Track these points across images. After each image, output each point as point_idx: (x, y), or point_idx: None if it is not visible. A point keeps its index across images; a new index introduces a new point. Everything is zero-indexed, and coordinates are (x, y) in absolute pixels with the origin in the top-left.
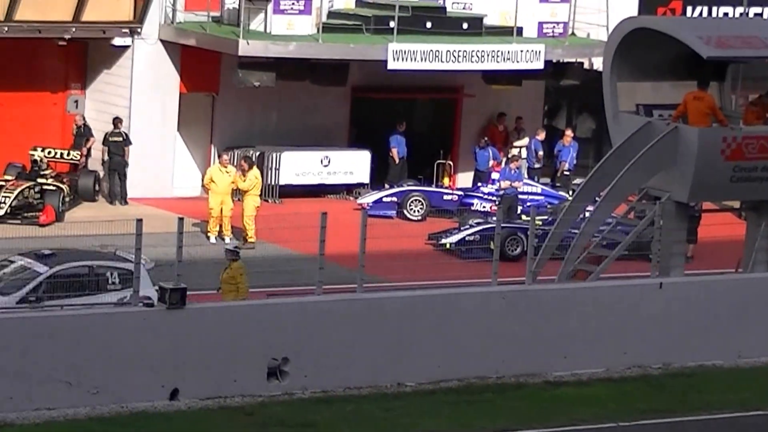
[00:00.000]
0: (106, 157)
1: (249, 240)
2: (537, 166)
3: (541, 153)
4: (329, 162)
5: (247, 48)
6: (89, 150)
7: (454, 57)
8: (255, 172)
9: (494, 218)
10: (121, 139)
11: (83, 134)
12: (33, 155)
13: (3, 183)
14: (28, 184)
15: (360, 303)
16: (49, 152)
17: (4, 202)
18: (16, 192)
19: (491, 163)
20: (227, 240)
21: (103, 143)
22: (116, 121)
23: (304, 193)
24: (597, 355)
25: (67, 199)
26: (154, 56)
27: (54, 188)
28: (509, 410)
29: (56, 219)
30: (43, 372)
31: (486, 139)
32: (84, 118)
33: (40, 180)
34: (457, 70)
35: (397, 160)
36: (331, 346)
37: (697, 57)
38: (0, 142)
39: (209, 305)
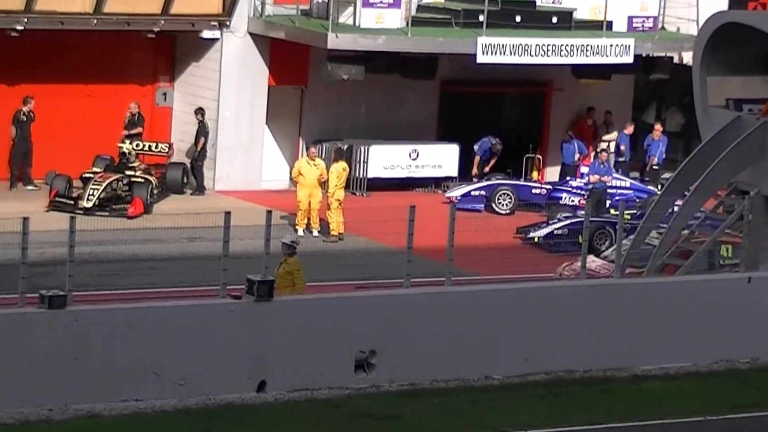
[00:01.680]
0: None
1: (333, 233)
2: (620, 160)
3: (623, 147)
4: (417, 155)
5: (336, 41)
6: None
7: (544, 51)
8: (338, 164)
9: (582, 212)
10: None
11: (136, 123)
12: (121, 148)
13: (91, 175)
14: (116, 177)
15: (448, 296)
16: (138, 144)
17: (93, 195)
18: (104, 184)
19: (577, 156)
20: (315, 233)
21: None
22: (198, 111)
23: (392, 186)
24: (685, 350)
25: (155, 191)
26: (243, 49)
27: (142, 180)
28: (596, 404)
29: (144, 211)
30: (131, 363)
31: (570, 132)
32: (138, 107)
33: (128, 172)
34: (546, 64)
35: (475, 170)
36: (418, 339)
37: None
38: (89, 135)
39: (296, 297)
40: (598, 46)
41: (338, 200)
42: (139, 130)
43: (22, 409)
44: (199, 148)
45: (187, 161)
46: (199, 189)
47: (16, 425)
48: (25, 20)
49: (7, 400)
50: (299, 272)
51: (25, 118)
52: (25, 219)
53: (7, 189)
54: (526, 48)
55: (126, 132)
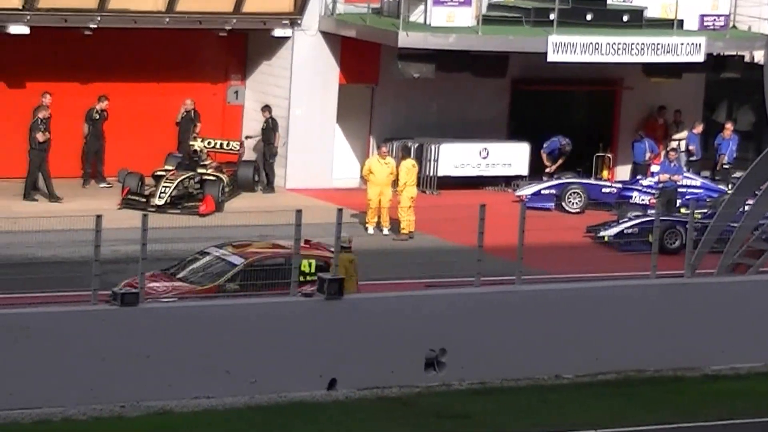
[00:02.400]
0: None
1: (403, 231)
2: (691, 159)
3: (692, 147)
4: (488, 154)
5: (406, 39)
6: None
7: (614, 49)
8: (407, 162)
9: (653, 211)
10: (269, 126)
11: (193, 119)
12: (193, 145)
13: (163, 173)
14: (188, 175)
15: (518, 295)
16: (209, 143)
17: (165, 192)
18: (176, 182)
19: (647, 155)
20: (385, 231)
21: (262, 130)
22: (264, 109)
23: (462, 184)
24: (756, 349)
25: (226, 189)
26: (314, 47)
27: (214, 178)
28: (666, 403)
29: (216, 209)
30: (203, 361)
31: (640, 131)
32: (193, 103)
33: (200, 170)
34: (617, 62)
35: (546, 163)
36: (488, 338)
37: None
38: (161, 133)
39: (367, 296)
40: (668, 45)
41: (410, 198)
42: (278, 136)
43: (95, 405)
44: (276, 144)
45: (258, 158)
46: (270, 186)
47: (89, 422)
48: (98, 19)
49: (81, 397)
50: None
51: (97, 116)
52: (98, 216)
53: (80, 186)
54: (597, 46)
55: (179, 129)
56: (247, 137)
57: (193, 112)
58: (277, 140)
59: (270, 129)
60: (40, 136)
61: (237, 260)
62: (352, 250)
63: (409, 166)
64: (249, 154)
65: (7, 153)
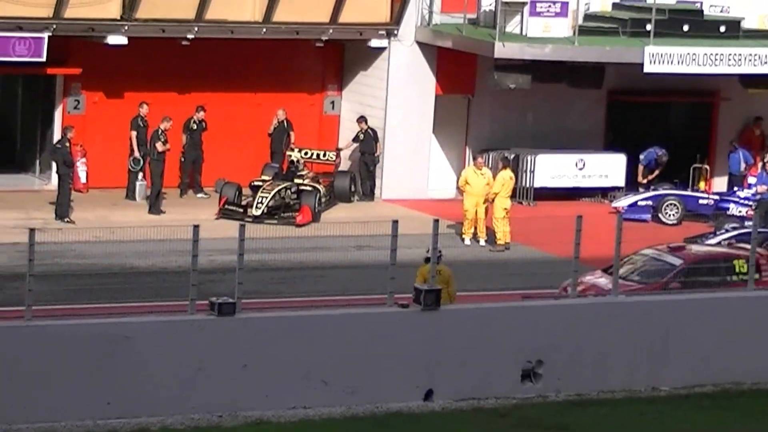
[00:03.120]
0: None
1: (499, 242)
2: None
3: None
4: (584, 165)
5: (503, 50)
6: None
7: (711, 60)
8: (505, 173)
9: (750, 223)
10: (370, 137)
11: (286, 129)
12: (290, 156)
13: (261, 183)
14: (285, 185)
15: (615, 306)
16: (306, 153)
17: (262, 203)
18: (273, 192)
19: (742, 166)
20: (481, 242)
21: (354, 140)
22: (360, 120)
23: (558, 195)
24: None
25: (323, 199)
26: (410, 58)
27: (310, 189)
28: (764, 416)
29: (312, 219)
30: (300, 371)
31: (734, 142)
32: (285, 113)
33: (297, 180)
34: (713, 73)
35: (642, 175)
36: (585, 349)
37: None
38: (258, 143)
39: (463, 306)
40: (765, 56)
41: (505, 209)
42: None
43: (192, 415)
44: (377, 154)
45: (355, 169)
46: (370, 196)
47: (187, 431)
48: (196, 29)
49: (178, 406)
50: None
51: (195, 126)
52: (196, 227)
53: (178, 196)
54: (694, 57)
55: (271, 140)
56: (339, 149)
57: (286, 122)
58: (378, 150)
59: (371, 139)
60: (159, 146)
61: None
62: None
63: (506, 177)
64: (345, 165)
65: (105, 163)
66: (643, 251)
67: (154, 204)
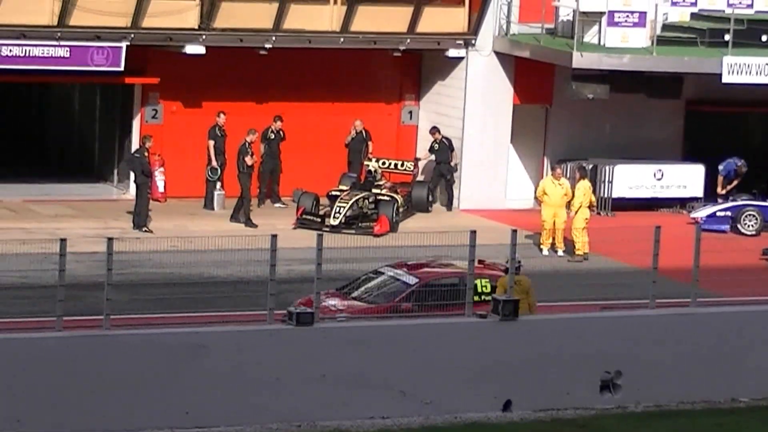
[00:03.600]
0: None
1: (577, 252)
2: None
3: None
4: (662, 175)
5: (580, 60)
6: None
7: None
8: (584, 183)
9: None
10: (445, 146)
11: (365, 140)
12: (368, 166)
13: (338, 193)
14: (362, 195)
15: (694, 317)
16: (384, 163)
17: (339, 212)
18: (350, 202)
19: None
20: (559, 252)
21: (429, 151)
22: (433, 131)
23: (636, 206)
24: None
25: (400, 209)
26: (488, 68)
27: (388, 199)
28: None
29: (390, 229)
30: (378, 381)
31: None
32: (362, 124)
33: (374, 190)
34: None
35: (721, 186)
36: (664, 360)
37: None
38: (336, 153)
39: (542, 317)
40: None
41: (585, 219)
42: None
43: (270, 425)
44: (454, 163)
45: (432, 179)
46: (448, 205)
47: None
48: (274, 38)
49: (257, 416)
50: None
51: (273, 136)
52: (274, 236)
53: (256, 206)
54: None
55: (349, 150)
56: (416, 159)
57: (363, 132)
58: (453, 159)
59: (446, 148)
60: (248, 160)
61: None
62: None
63: (587, 187)
64: (422, 175)
65: (183, 172)
66: (381, 269)
67: (236, 215)
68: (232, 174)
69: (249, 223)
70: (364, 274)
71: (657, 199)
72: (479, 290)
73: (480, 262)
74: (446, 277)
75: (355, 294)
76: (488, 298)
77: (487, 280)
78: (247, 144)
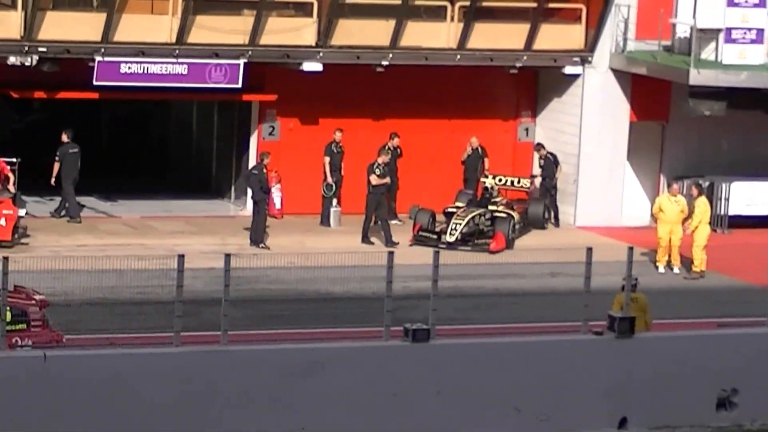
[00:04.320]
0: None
1: (695, 269)
2: None
3: None
4: None
5: (698, 77)
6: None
7: None
8: (702, 200)
9: None
10: (550, 162)
11: (481, 156)
12: (484, 182)
13: (454, 210)
14: (479, 211)
15: None
16: (500, 179)
17: (455, 229)
18: (467, 219)
19: None
20: (675, 270)
21: (540, 167)
22: (537, 147)
23: (753, 223)
24: None
25: (517, 226)
26: (605, 84)
27: (504, 215)
28: None
29: (506, 246)
30: (493, 398)
31: None
32: (478, 141)
33: (491, 207)
34: None
35: None
36: None
37: None
38: (452, 170)
39: (657, 335)
40: None
41: (706, 236)
42: (559, 169)
43: None
44: (557, 177)
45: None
46: (555, 222)
47: None
48: (390, 55)
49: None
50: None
51: (389, 153)
52: (390, 253)
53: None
54: None
55: (465, 167)
56: (533, 175)
57: (480, 149)
58: (558, 173)
59: (551, 164)
60: (373, 179)
61: None
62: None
63: (705, 204)
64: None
65: (300, 189)
66: None
67: (366, 235)
68: (348, 190)
69: (365, 240)
70: None
71: None
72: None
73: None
74: None
75: None
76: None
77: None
78: (376, 164)
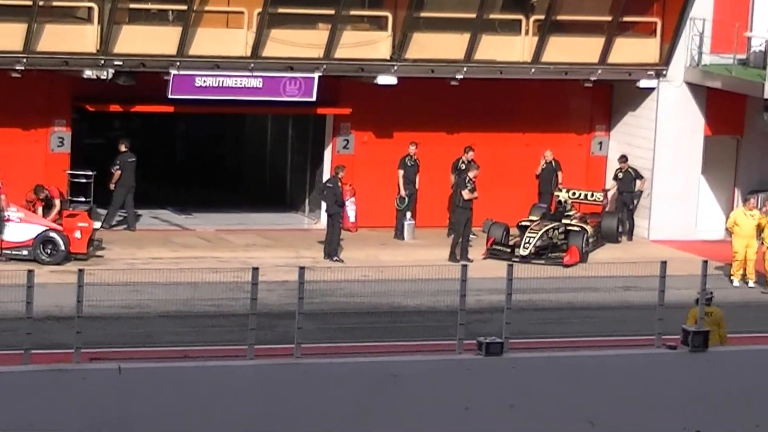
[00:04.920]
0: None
1: None
2: None
3: None
4: None
5: None
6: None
7: None
8: None
9: None
10: (630, 176)
11: (555, 170)
12: (558, 196)
13: (528, 223)
14: (552, 225)
15: None
16: (574, 193)
17: (529, 243)
18: (540, 232)
19: None
20: (750, 284)
21: (614, 179)
22: (621, 159)
23: None
24: None
25: (590, 239)
26: (679, 98)
27: (578, 229)
28: None
29: (580, 260)
30: (566, 411)
31: None
32: (552, 154)
33: (564, 221)
34: None
35: None
36: None
37: None
38: (526, 183)
39: (732, 348)
40: None
41: None
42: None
43: None
44: (640, 190)
45: (618, 208)
46: (630, 235)
47: None
48: (465, 69)
49: None
50: (723, 321)
51: (464, 167)
52: (464, 266)
53: (445, 236)
54: None
55: (539, 181)
56: (606, 189)
57: (554, 162)
58: (641, 187)
59: (631, 178)
60: (465, 194)
61: None
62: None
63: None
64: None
65: (374, 202)
66: None
67: (457, 252)
68: (423, 204)
69: (463, 256)
70: None
71: None
72: None
73: None
74: None
75: None
76: None
77: None
78: (467, 178)
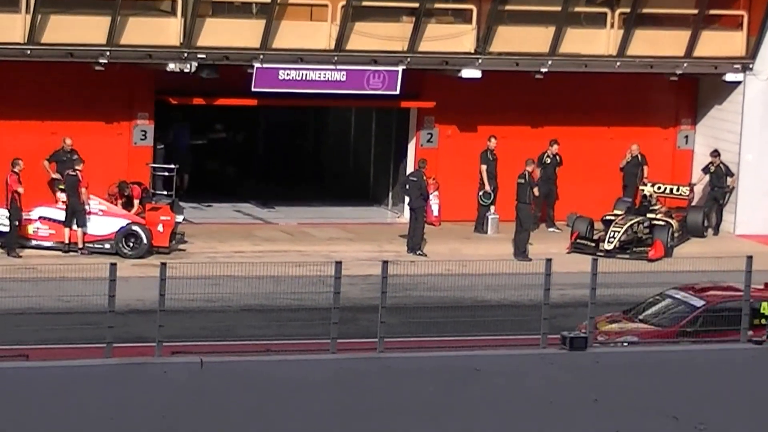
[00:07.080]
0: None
1: None
2: None
3: None
4: None
5: None
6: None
7: None
8: None
9: None
10: (721, 171)
11: (640, 164)
12: (643, 190)
13: (612, 218)
14: (637, 219)
15: None
16: (659, 187)
17: (614, 237)
18: (625, 227)
19: None
20: None
21: (704, 171)
22: (713, 154)
23: None
24: None
25: (675, 234)
26: (766, 92)
27: (663, 223)
28: None
29: (665, 254)
30: (650, 406)
31: None
32: (638, 148)
33: (649, 215)
34: None
35: None
36: None
37: None
38: (611, 177)
39: None
40: None
41: None
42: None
43: None
44: (730, 187)
45: (706, 203)
46: (716, 229)
47: None
48: (550, 62)
49: None
50: None
51: (549, 161)
52: (548, 260)
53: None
54: None
55: (624, 174)
56: (692, 184)
57: (639, 156)
58: (731, 184)
59: (722, 173)
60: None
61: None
62: None
63: None
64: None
65: (457, 196)
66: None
67: (519, 249)
68: (504, 198)
69: (522, 255)
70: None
71: None
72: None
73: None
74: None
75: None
76: None
77: None
78: (526, 174)
